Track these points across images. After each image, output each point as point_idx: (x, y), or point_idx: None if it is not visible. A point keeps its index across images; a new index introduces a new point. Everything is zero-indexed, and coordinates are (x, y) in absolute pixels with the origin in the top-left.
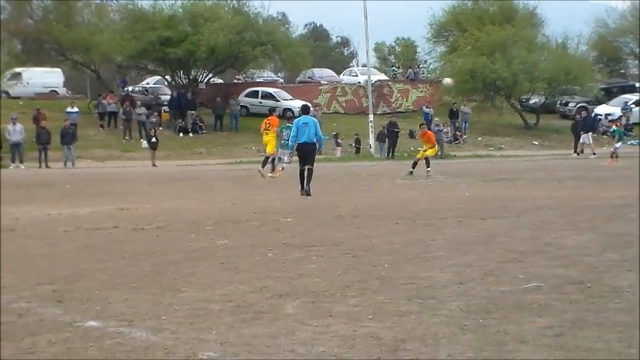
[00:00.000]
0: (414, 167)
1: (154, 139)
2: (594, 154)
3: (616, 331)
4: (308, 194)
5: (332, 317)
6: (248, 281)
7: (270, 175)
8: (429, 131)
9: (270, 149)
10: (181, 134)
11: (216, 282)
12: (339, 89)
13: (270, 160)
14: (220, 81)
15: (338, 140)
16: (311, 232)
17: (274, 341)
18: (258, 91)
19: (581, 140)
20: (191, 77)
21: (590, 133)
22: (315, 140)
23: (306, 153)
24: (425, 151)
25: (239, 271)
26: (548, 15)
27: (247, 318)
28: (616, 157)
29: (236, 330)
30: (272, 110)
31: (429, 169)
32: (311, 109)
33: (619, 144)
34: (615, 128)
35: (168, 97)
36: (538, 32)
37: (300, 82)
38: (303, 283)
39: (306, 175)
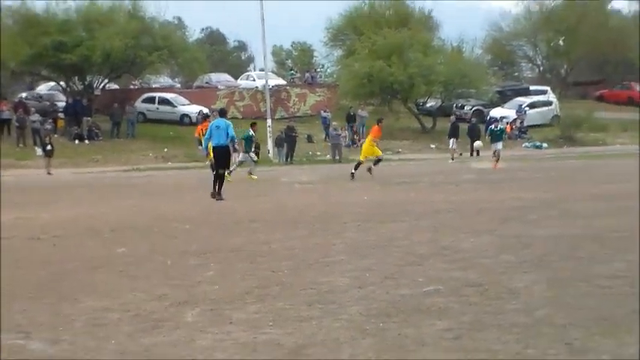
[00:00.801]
0: (376, 164)
1: (49, 147)
2: (452, 159)
3: (513, 332)
4: (219, 198)
5: (232, 324)
6: (147, 289)
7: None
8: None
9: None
10: (77, 141)
11: (115, 291)
12: (236, 94)
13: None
14: (116, 87)
15: (236, 146)
16: (209, 238)
17: (174, 350)
18: (155, 97)
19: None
20: (86, 83)
21: (455, 139)
22: (227, 143)
23: (219, 156)
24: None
25: (138, 280)
26: (444, 19)
27: (146, 327)
28: (496, 159)
29: (135, 339)
30: (205, 116)
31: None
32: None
33: (498, 144)
34: (493, 128)
35: (64, 104)
36: (434, 35)
37: (198, 88)
38: (202, 290)
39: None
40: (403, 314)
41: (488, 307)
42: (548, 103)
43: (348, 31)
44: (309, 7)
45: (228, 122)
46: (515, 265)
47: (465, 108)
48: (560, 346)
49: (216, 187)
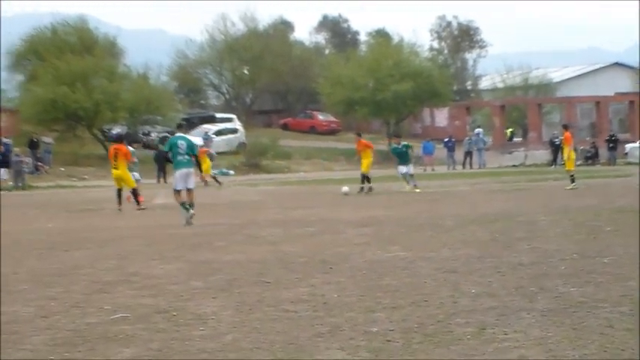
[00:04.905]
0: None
1: None
2: None
3: (201, 358)
4: None
5: None
6: None
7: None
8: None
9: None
10: None
11: None
12: None
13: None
14: None
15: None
16: None
17: None
18: None
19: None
20: None
21: None
22: None
23: None
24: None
25: None
26: (129, 45)
27: None
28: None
29: None
30: (120, 137)
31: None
32: None
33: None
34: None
35: None
36: (119, 62)
37: None
38: None
39: None
40: (89, 343)
41: (176, 333)
42: (234, 131)
43: (30, 56)
44: None
45: None
46: (203, 291)
47: (152, 134)
48: None
49: None
